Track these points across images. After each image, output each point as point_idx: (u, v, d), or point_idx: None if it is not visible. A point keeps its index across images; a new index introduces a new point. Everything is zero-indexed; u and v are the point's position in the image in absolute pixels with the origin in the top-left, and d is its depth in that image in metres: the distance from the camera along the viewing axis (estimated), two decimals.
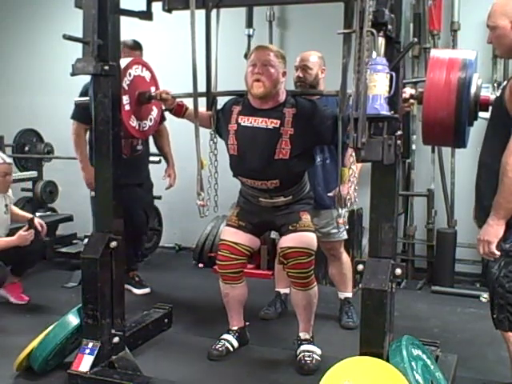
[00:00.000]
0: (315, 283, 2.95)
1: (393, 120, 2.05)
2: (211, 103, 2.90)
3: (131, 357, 2.79)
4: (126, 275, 3.89)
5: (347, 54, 2.23)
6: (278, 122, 2.76)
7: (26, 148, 5.15)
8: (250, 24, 4.69)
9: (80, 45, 2.55)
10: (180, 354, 3.07)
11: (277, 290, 3.67)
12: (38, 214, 4.67)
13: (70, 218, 4.93)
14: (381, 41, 1.98)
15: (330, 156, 3.24)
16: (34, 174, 4.99)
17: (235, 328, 3.11)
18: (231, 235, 2.97)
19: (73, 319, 2.75)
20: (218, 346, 3.02)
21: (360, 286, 2.23)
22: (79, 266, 2.77)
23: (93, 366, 2.61)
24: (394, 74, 1.98)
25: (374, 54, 1.94)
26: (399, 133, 2.14)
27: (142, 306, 3.49)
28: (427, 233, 4.45)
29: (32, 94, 5.60)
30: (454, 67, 2.15)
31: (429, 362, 2.36)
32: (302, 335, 2.99)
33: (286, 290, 3.63)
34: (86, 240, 2.74)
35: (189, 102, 2.94)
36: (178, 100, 2.97)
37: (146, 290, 4.03)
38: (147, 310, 3.39)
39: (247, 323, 3.19)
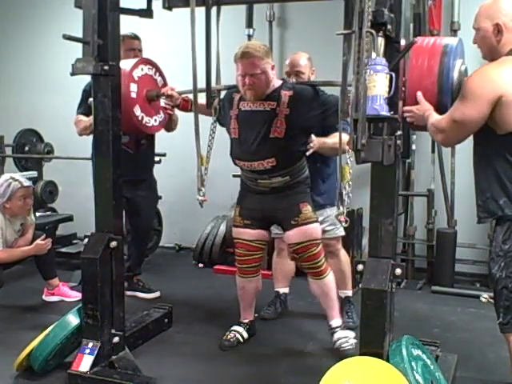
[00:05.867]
0: (329, 270, 3.04)
1: (392, 120, 2.05)
2: (211, 101, 2.94)
3: (131, 357, 2.79)
4: (131, 280, 3.93)
5: (347, 52, 2.23)
6: (275, 103, 2.87)
7: (26, 148, 5.16)
8: (250, 24, 4.68)
9: (80, 45, 2.55)
10: (180, 354, 3.07)
11: (276, 289, 3.67)
12: (38, 214, 4.67)
13: (70, 218, 4.93)
14: (380, 41, 1.98)
15: (320, 159, 3.21)
16: (34, 174, 4.99)
17: (246, 321, 3.22)
18: (243, 234, 3.06)
19: (73, 319, 2.75)
20: (229, 336, 3.13)
21: (360, 285, 2.24)
22: (79, 265, 2.77)
23: (93, 365, 2.62)
24: (393, 75, 1.98)
25: (374, 55, 1.94)
26: (399, 133, 2.14)
27: (142, 306, 3.50)
28: (427, 233, 4.45)
29: (32, 93, 5.60)
30: (434, 53, 2.25)
31: (429, 362, 2.36)
32: (334, 323, 3.07)
33: (286, 290, 3.64)
34: (86, 240, 2.74)
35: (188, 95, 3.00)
36: (183, 96, 3.04)
37: (156, 294, 3.97)
38: (147, 310, 3.39)
39: (256, 315, 3.27)
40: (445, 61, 2.25)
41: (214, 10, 2.80)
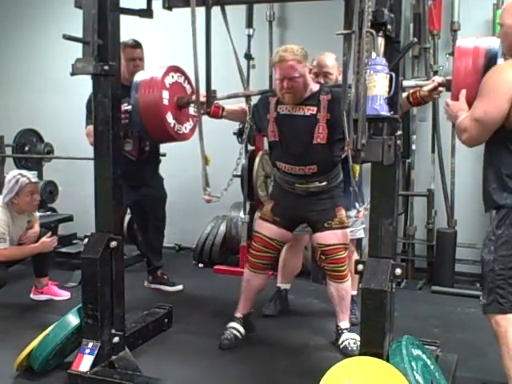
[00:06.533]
0: (349, 276, 3.09)
1: (392, 120, 2.05)
2: (211, 101, 2.94)
3: (131, 357, 2.79)
4: (154, 274, 4.10)
5: (347, 52, 2.24)
6: (315, 108, 2.90)
7: (26, 148, 5.15)
8: (250, 24, 4.67)
9: (80, 45, 2.55)
10: (180, 353, 3.07)
11: (278, 285, 3.68)
12: (38, 214, 4.67)
13: (70, 218, 4.93)
14: (380, 41, 1.98)
15: (347, 160, 3.21)
16: (34, 174, 4.98)
17: (239, 315, 3.23)
18: (266, 229, 3.11)
19: (73, 319, 2.75)
20: (227, 334, 3.14)
21: (360, 285, 2.24)
22: (79, 265, 2.77)
23: (93, 365, 2.62)
24: (393, 75, 1.98)
25: (374, 55, 1.94)
26: (399, 133, 2.14)
27: (142, 306, 3.50)
28: (427, 233, 4.45)
29: (32, 93, 5.60)
30: (479, 55, 2.31)
31: (429, 362, 2.36)
32: (343, 325, 3.11)
33: (287, 286, 3.66)
34: (86, 240, 2.74)
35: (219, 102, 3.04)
36: (214, 102, 3.03)
37: (179, 288, 4.09)
38: (147, 310, 3.39)
39: (252, 310, 3.28)
40: (489, 60, 2.30)
41: (214, 10, 2.80)
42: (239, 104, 3.16)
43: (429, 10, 4.23)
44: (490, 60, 2.29)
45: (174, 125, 3.10)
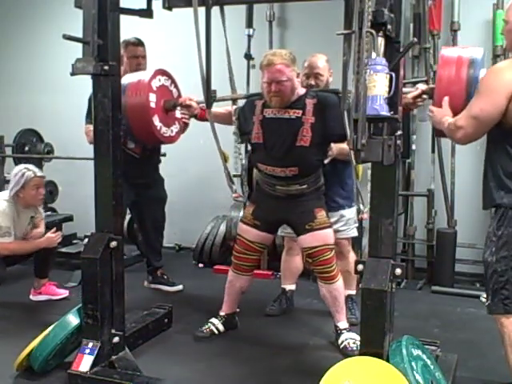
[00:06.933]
0: (339, 275, 3.09)
1: (392, 120, 2.05)
2: (211, 102, 2.94)
3: (131, 357, 2.79)
4: (154, 274, 4.12)
5: (347, 52, 2.24)
6: (300, 111, 2.91)
7: (26, 148, 5.14)
8: (250, 24, 4.68)
9: (80, 45, 2.55)
10: (180, 354, 3.07)
11: (282, 286, 3.69)
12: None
13: (70, 218, 4.93)
14: (380, 41, 1.98)
15: (341, 161, 3.21)
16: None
17: (223, 313, 3.30)
18: (246, 233, 3.13)
19: (73, 319, 2.75)
20: (204, 328, 3.24)
21: (360, 285, 2.24)
22: (79, 265, 2.78)
23: (93, 365, 2.62)
24: (393, 75, 1.98)
25: (374, 55, 1.94)
26: (399, 133, 2.15)
27: (142, 306, 3.50)
28: (427, 233, 4.45)
29: (32, 93, 5.60)
30: (462, 64, 2.35)
31: (429, 362, 2.36)
32: (341, 325, 3.12)
33: (292, 287, 3.67)
34: (86, 240, 2.75)
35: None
36: (201, 105, 3.04)
37: (179, 288, 4.10)
38: (147, 310, 3.39)
39: (237, 310, 3.32)
40: (471, 71, 2.34)
41: (214, 10, 2.80)
42: (226, 107, 3.17)
43: (429, 10, 4.23)
44: (473, 70, 2.33)
45: (161, 127, 3.13)
